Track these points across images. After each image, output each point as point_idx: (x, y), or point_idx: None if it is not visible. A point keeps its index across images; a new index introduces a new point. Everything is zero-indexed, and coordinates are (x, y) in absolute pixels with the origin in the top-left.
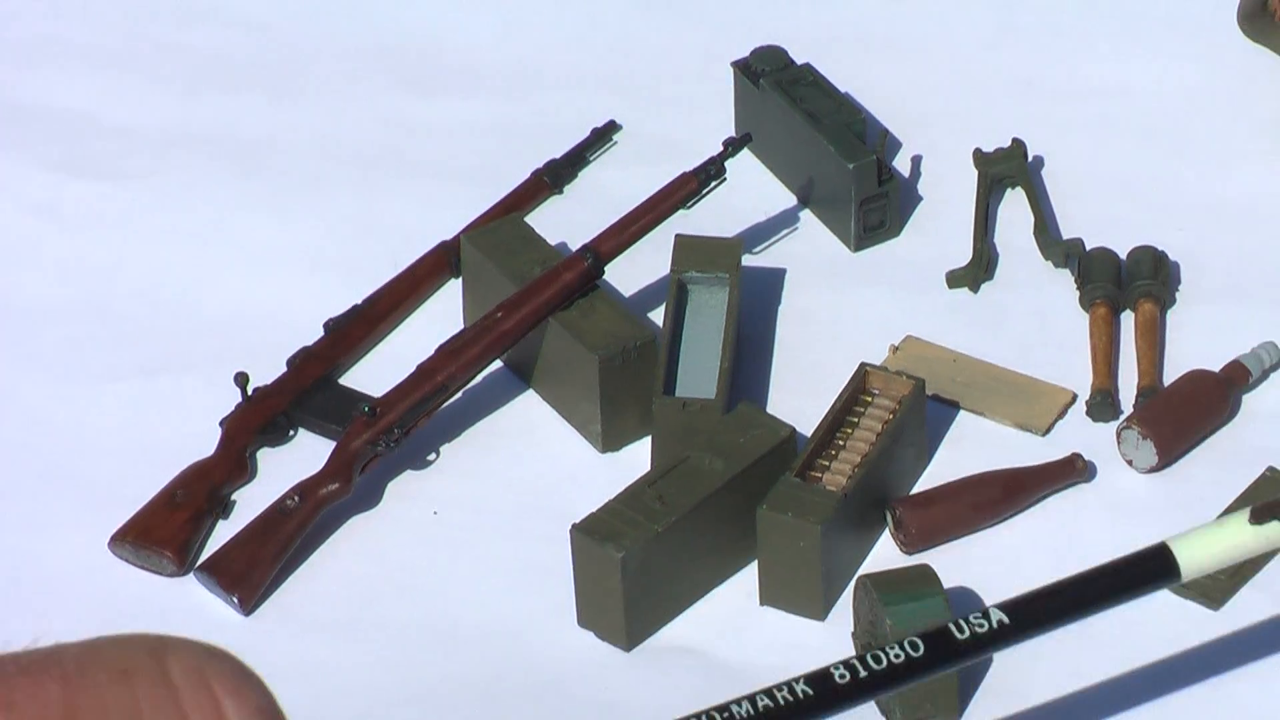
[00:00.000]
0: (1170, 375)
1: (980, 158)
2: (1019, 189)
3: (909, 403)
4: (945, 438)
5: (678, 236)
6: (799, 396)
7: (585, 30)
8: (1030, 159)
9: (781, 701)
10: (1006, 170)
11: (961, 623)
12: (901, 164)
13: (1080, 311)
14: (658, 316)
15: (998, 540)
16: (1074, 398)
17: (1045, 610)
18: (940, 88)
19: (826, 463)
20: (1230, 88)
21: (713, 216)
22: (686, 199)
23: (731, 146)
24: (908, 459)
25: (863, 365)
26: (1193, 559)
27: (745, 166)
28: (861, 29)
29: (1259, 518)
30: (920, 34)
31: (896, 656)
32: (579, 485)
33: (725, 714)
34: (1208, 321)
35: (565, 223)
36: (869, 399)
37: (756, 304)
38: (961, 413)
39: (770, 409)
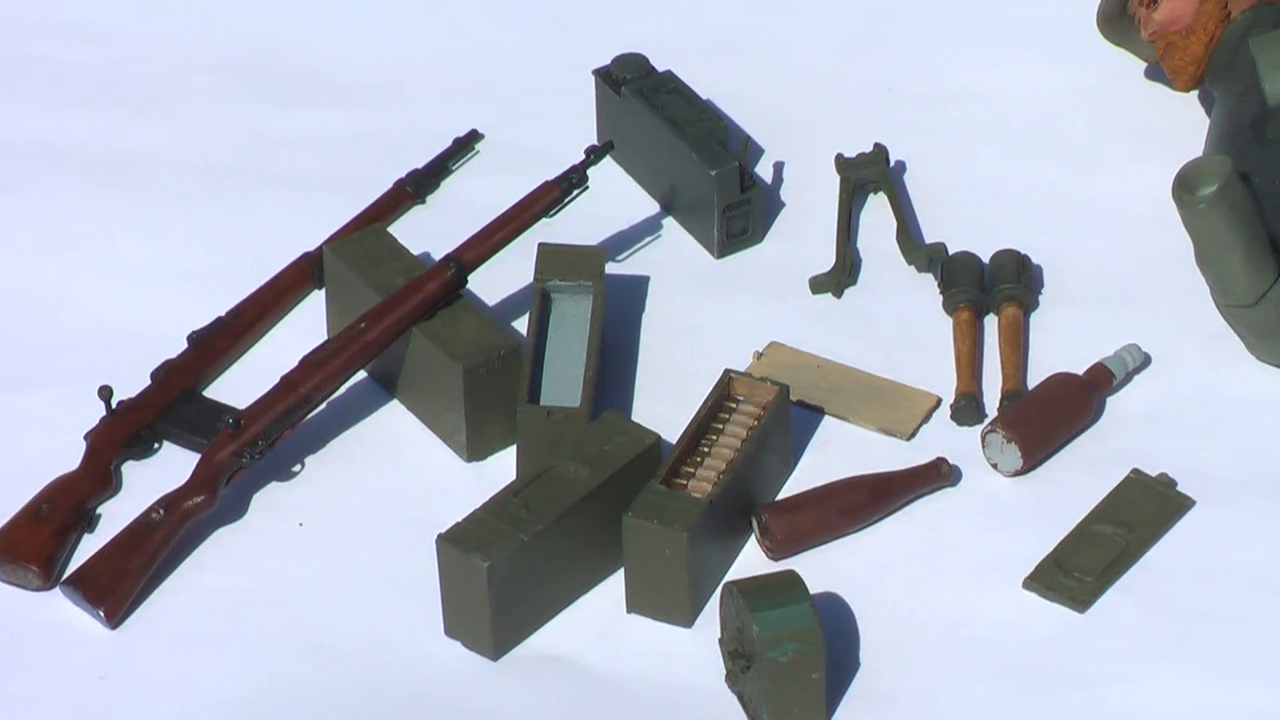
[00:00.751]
0: (1034, 378)
1: (842, 163)
2: (881, 194)
3: (773, 409)
4: (810, 443)
5: (541, 245)
6: (664, 404)
7: (447, 41)
8: (892, 164)
9: None
10: (869, 175)
11: None
12: (764, 170)
13: (944, 316)
14: (522, 325)
15: (864, 545)
16: (938, 402)
17: None
18: (802, 94)
19: (692, 470)
20: (1092, 91)
21: (576, 225)
22: (549, 207)
23: (593, 154)
24: (773, 465)
25: (727, 372)
26: None
27: (608, 174)
28: (723, 36)
29: None
30: (782, 40)
31: None
32: (445, 495)
33: None
34: (1071, 324)
35: (428, 232)
36: (734, 405)
37: (620, 312)
38: (826, 418)
39: (635, 416)
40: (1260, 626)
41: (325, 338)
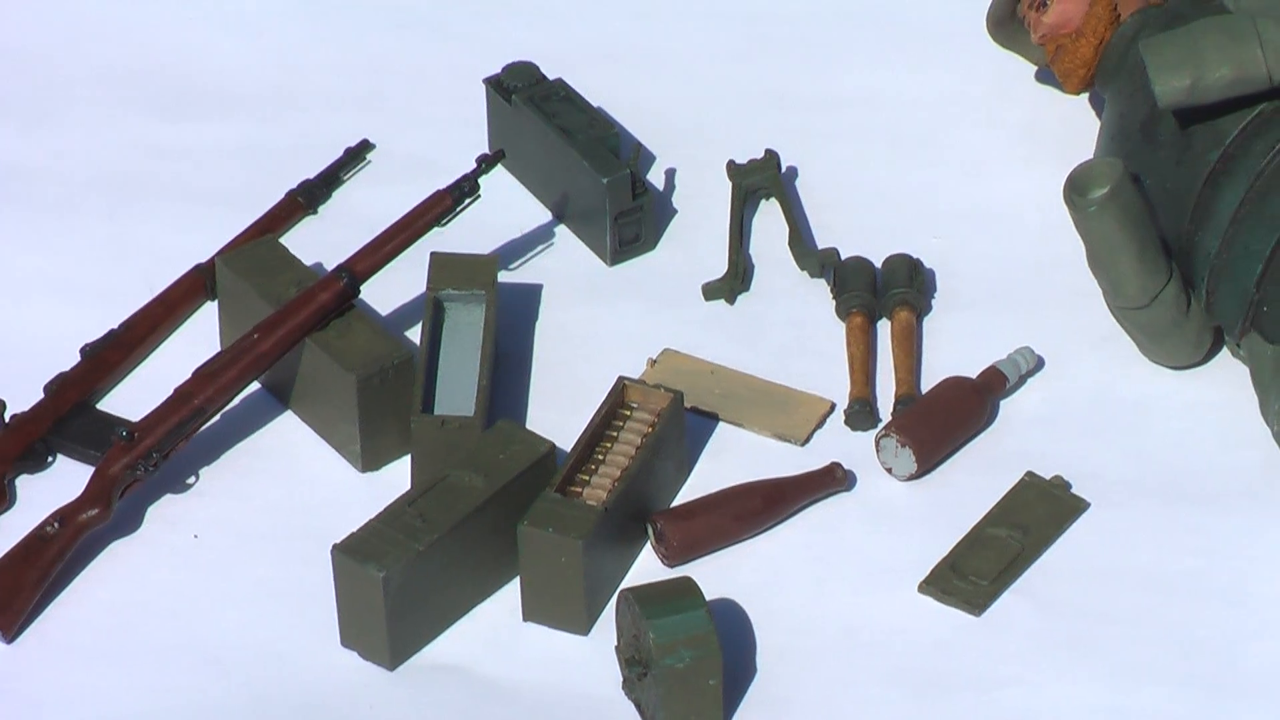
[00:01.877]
0: (928, 382)
1: (734, 169)
2: (773, 200)
3: (668, 416)
4: (705, 450)
5: (433, 254)
6: (558, 412)
7: (337, 51)
8: (783, 170)
9: None
10: (760, 181)
11: None
12: (656, 177)
13: (837, 321)
14: (415, 335)
15: (759, 551)
16: (832, 407)
17: None
18: (693, 100)
19: (587, 477)
20: (982, 95)
21: (468, 233)
22: (441, 216)
23: (485, 163)
24: (668, 472)
25: (621, 379)
26: None
27: (500, 183)
28: (613, 43)
29: None
30: (672, 47)
31: None
32: (340, 505)
33: None
34: (964, 328)
35: (320, 243)
36: (628, 413)
37: (513, 320)
38: (721, 424)
39: (529, 425)
40: (1153, 628)
41: (218, 349)
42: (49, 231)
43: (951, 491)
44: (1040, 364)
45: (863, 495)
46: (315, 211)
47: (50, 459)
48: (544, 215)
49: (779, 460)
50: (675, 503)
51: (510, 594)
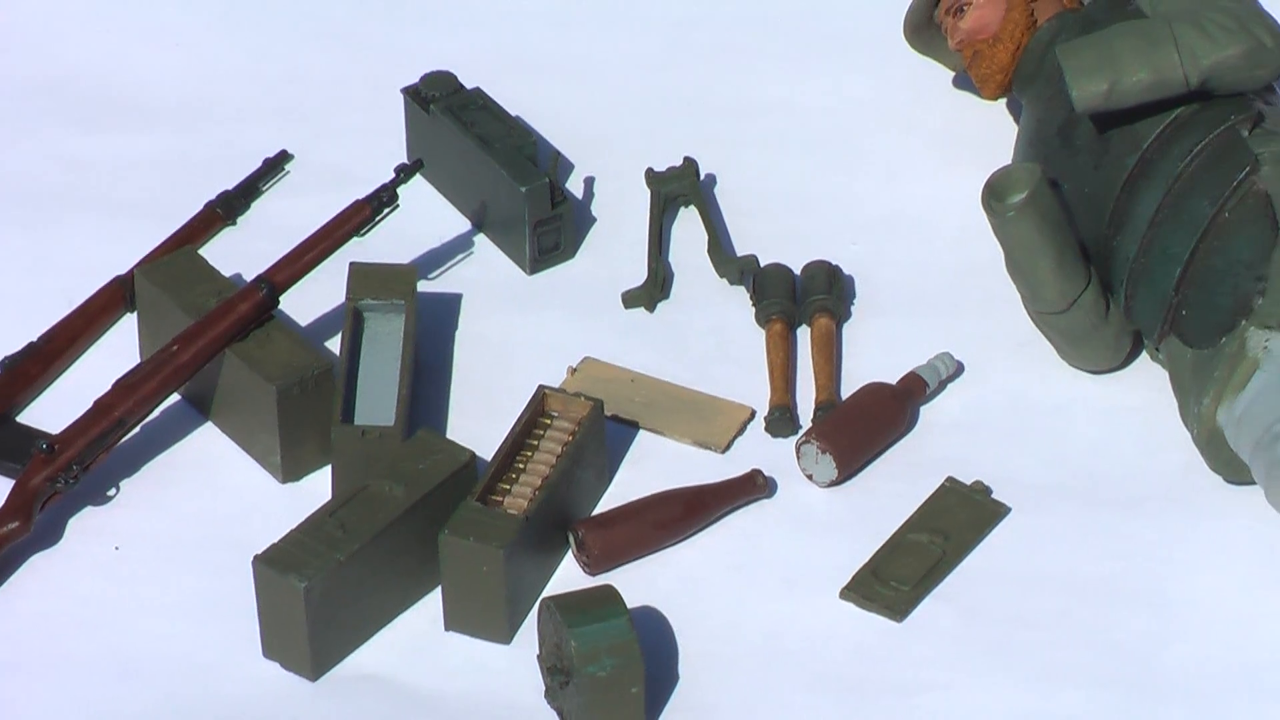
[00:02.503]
0: (848, 389)
1: (652, 177)
2: (692, 207)
3: (588, 424)
4: (626, 458)
5: (352, 264)
6: (478, 421)
7: (254, 62)
8: (702, 177)
9: None
10: (679, 189)
11: None
12: (575, 186)
13: (756, 328)
14: (335, 345)
15: (681, 558)
16: (753, 414)
17: None
18: (611, 109)
19: (508, 486)
20: (899, 101)
21: (387, 243)
22: (360, 227)
23: (403, 173)
24: (588, 480)
25: (541, 388)
26: None
27: (418, 193)
28: (531, 52)
29: None
30: (590, 55)
31: None
32: (261, 516)
33: None
34: (883, 334)
35: (240, 254)
36: (548, 421)
37: (433, 330)
38: (641, 432)
39: (450, 434)
40: (1073, 631)
41: (138, 361)
42: None
43: (872, 498)
44: (960, 369)
45: (783, 502)
46: (234, 223)
47: None
48: (463, 224)
49: (700, 468)
50: (596, 511)
51: (432, 603)
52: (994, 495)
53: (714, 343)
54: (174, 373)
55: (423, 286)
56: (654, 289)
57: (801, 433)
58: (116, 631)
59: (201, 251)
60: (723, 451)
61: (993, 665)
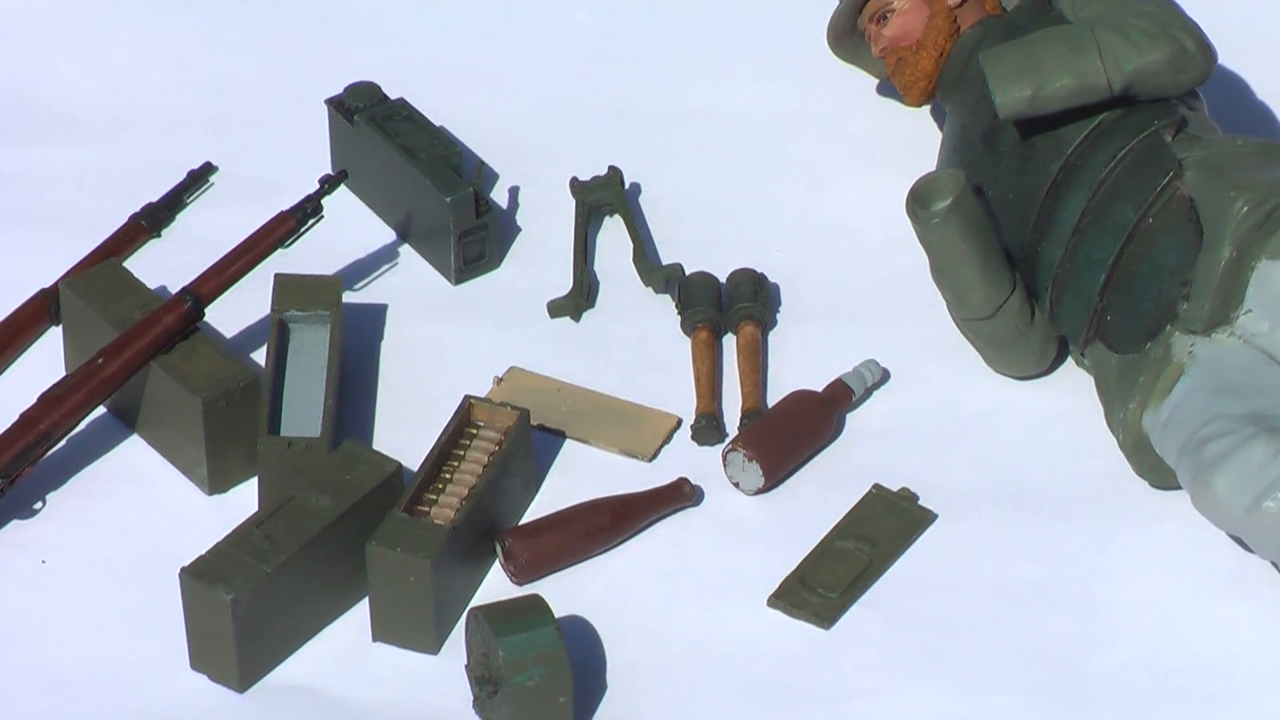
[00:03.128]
0: (774, 396)
1: (577, 186)
2: (617, 216)
3: (514, 433)
4: (553, 467)
5: (277, 276)
6: (405, 431)
7: (176, 72)
8: (627, 186)
9: None
10: (604, 198)
11: None
12: (499, 195)
13: (682, 336)
14: (261, 356)
15: (608, 567)
16: (679, 422)
17: None
18: (535, 118)
19: (434, 496)
20: (823, 108)
21: (312, 254)
22: (285, 238)
23: (328, 184)
24: (515, 489)
25: (467, 398)
26: None
27: (343, 203)
28: (455, 62)
29: None
30: (513, 65)
31: None
32: (188, 528)
33: None
34: (809, 341)
35: (164, 266)
36: (474, 431)
37: (359, 340)
38: (568, 441)
39: (376, 445)
40: (1001, 637)
41: (63, 374)
42: None
43: (799, 505)
44: (886, 376)
45: (711, 510)
46: (159, 235)
47: None
48: (388, 235)
49: (627, 476)
50: (523, 520)
51: (360, 614)
52: (921, 502)
53: (640, 351)
54: (100, 385)
55: (348, 297)
56: (579, 298)
57: (728, 441)
58: (44, 645)
59: (126, 264)
60: (649, 460)
61: (921, 671)
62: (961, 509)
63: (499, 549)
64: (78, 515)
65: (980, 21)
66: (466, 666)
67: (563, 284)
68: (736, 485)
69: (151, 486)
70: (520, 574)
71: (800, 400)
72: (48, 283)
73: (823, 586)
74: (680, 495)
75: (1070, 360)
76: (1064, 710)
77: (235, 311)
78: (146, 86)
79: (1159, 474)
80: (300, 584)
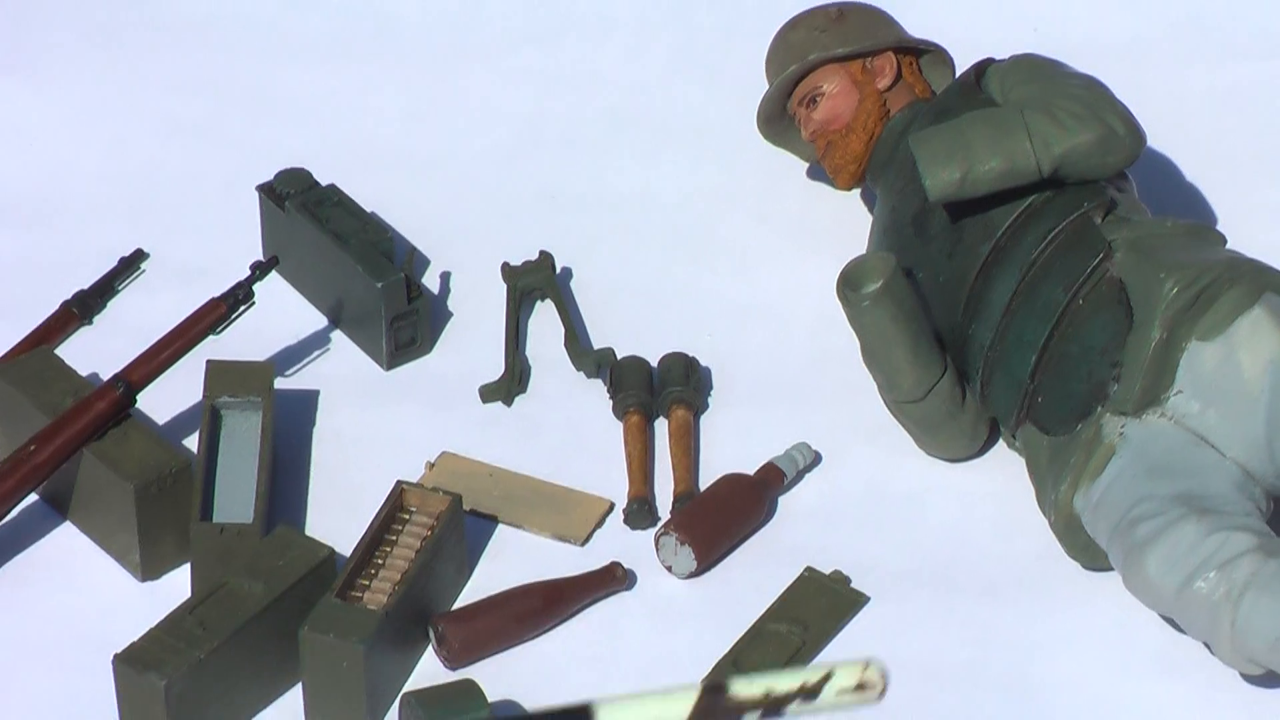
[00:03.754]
0: (706, 479)
1: (508, 271)
2: (548, 300)
3: (447, 518)
4: (485, 551)
5: (209, 362)
6: (337, 517)
7: (108, 159)
8: (558, 270)
9: None
10: (535, 282)
11: None
12: (431, 280)
13: (614, 420)
14: (193, 442)
15: (541, 651)
16: (611, 506)
17: None
18: (465, 202)
19: (367, 581)
20: (752, 191)
21: (243, 341)
22: (216, 324)
23: (259, 270)
24: (448, 574)
25: (399, 483)
26: None
27: (274, 289)
28: (384, 147)
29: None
30: (443, 150)
31: None
32: (120, 614)
33: None
34: (741, 424)
35: (96, 353)
36: (407, 516)
37: (291, 426)
38: (500, 526)
39: (309, 530)
40: (933, 719)
41: None
42: None
43: (732, 588)
44: (817, 459)
45: (643, 593)
46: (90, 321)
47: None
48: (320, 320)
49: (559, 560)
50: (456, 605)
51: (293, 699)
52: (853, 584)
53: (572, 435)
54: (31, 472)
55: (280, 383)
56: (511, 383)
57: (660, 524)
58: None
59: (57, 351)
60: (582, 544)
61: None
62: (894, 591)
63: (432, 633)
64: (10, 602)
65: (909, 104)
66: None
67: (495, 368)
68: (669, 568)
69: (84, 573)
70: (453, 658)
71: (732, 483)
72: None
73: (756, 669)
74: (613, 579)
75: (1001, 441)
76: None
77: (167, 398)
78: (77, 172)
79: (1090, 555)
80: (234, 670)
